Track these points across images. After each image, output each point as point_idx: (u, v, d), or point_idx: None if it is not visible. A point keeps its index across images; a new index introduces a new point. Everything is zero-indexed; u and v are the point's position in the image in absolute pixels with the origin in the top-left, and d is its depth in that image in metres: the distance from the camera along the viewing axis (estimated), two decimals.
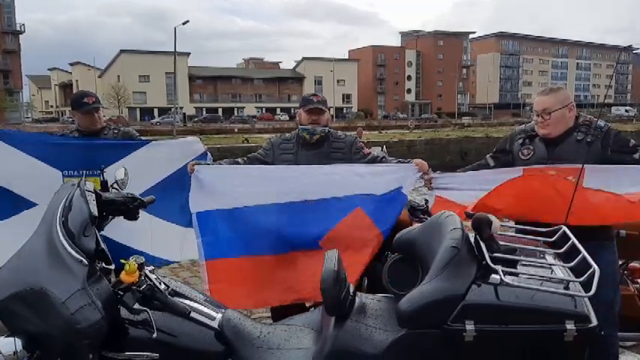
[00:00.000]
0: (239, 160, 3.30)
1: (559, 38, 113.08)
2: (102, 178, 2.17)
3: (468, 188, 2.93)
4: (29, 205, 3.22)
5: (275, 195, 3.03)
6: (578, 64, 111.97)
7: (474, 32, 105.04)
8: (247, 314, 2.08)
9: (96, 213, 1.82)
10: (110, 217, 2.06)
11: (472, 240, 1.75)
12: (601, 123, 2.70)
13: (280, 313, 2.86)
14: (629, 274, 3.40)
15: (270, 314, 3.42)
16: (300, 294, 2.93)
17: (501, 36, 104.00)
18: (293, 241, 2.99)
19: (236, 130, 42.01)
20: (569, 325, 1.53)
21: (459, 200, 2.91)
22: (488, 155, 3.06)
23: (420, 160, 3.11)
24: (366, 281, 3.44)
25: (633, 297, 3.22)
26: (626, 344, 3.25)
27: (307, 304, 3.01)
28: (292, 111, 68.25)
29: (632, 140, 2.71)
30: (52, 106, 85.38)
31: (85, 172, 2.29)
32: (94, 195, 1.93)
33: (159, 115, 64.30)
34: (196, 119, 58.97)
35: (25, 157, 3.26)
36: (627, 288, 3.24)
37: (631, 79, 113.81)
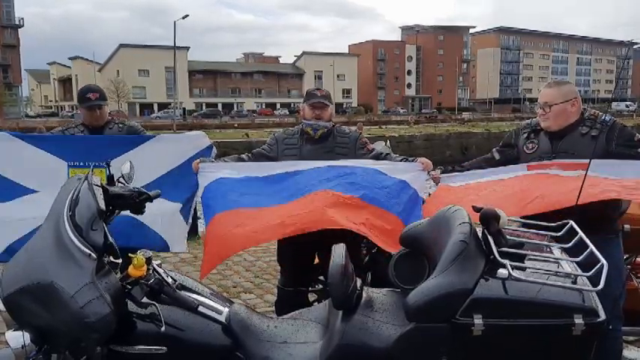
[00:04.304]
0: (244, 156, 3.29)
1: (559, 33, 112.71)
2: (108, 172, 2.17)
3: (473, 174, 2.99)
4: (28, 192, 3.21)
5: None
6: (578, 59, 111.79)
7: (474, 27, 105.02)
8: (252, 308, 2.09)
9: (104, 207, 1.82)
10: (117, 211, 2.06)
11: (480, 234, 1.75)
12: (606, 117, 2.70)
13: (285, 309, 2.85)
14: (633, 268, 3.40)
15: (274, 308, 3.43)
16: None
17: (502, 31, 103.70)
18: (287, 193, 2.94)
19: (236, 125, 42.02)
20: (578, 320, 1.53)
21: (463, 183, 2.92)
22: (494, 149, 3.08)
23: (424, 158, 3.13)
24: (369, 276, 3.45)
25: (637, 291, 3.22)
26: (629, 339, 3.26)
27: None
28: (292, 106, 68.14)
29: (637, 134, 2.71)
30: (51, 101, 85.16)
31: (92, 163, 2.29)
32: (101, 189, 1.92)
33: (158, 110, 64.14)
34: (196, 114, 58.88)
35: (31, 148, 3.28)
36: (631, 283, 3.24)
37: (631, 74, 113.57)
